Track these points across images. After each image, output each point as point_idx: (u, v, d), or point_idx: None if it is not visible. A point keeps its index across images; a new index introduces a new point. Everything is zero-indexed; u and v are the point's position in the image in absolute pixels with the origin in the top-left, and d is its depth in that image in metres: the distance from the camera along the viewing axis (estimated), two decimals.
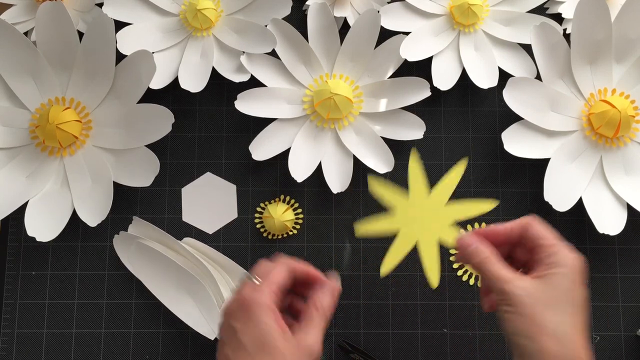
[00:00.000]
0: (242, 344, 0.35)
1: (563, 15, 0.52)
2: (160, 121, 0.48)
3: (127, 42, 0.51)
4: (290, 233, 0.51)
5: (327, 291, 0.39)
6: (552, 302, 0.35)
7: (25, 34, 0.52)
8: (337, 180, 0.50)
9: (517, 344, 0.35)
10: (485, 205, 0.42)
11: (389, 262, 0.41)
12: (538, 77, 0.50)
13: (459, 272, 0.50)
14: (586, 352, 0.34)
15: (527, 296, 0.35)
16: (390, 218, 0.42)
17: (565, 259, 0.36)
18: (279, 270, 0.38)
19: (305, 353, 0.35)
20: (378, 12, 0.51)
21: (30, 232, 0.48)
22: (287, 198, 0.52)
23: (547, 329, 0.34)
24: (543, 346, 0.34)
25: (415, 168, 0.42)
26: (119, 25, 0.51)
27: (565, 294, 0.35)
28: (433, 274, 0.41)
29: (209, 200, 0.52)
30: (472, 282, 0.50)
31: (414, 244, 0.42)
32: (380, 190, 0.42)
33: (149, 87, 0.49)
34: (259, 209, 0.51)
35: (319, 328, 0.37)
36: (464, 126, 0.53)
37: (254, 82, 0.51)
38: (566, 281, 0.35)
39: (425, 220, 0.42)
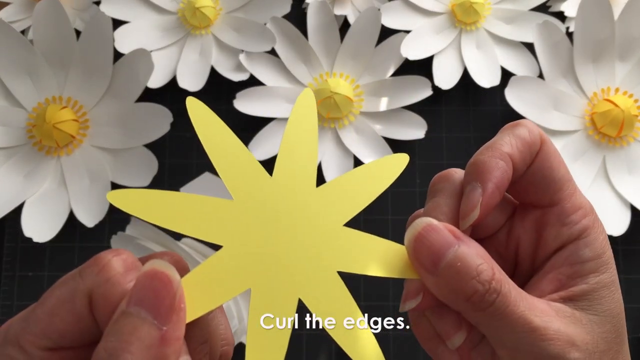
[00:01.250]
0: None
1: (566, 14, 0.52)
2: (159, 120, 0.47)
3: (124, 40, 0.50)
4: None
5: (131, 304, 0.18)
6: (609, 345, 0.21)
7: (22, 32, 0.51)
8: None
9: None
10: (392, 162, 0.24)
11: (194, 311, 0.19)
12: (540, 75, 0.50)
13: None
14: None
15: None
16: (212, 203, 0.21)
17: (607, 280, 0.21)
18: (60, 304, 0.19)
19: None
20: (379, 10, 0.51)
21: (27, 232, 0.47)
22: None
23: None
24: None
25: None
26: (117, 23, 0.50)
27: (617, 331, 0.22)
28: (364, 350, 0.23)
29: None
30: None
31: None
32: (206, 130, 0.22)
33: (147, 86, 0.48)
34: None
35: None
36: (465, 125, 0.53)
37: (253, 81, 0.50)
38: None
39: (306, 229, 0.21)
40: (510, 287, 0.20)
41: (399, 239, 0.53)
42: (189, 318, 0.19)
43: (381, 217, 0.51)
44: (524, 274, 0.23)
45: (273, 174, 0.22)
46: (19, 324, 0.19)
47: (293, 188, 0.22)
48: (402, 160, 0.24)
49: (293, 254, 0.21)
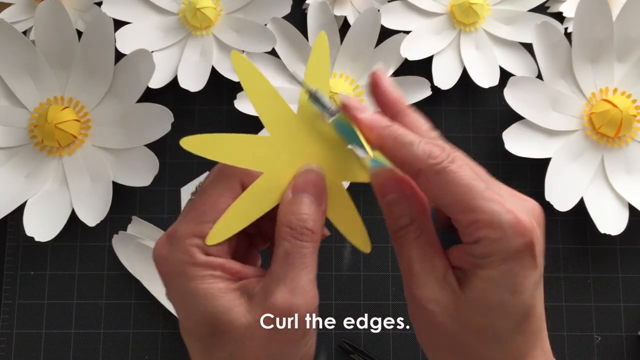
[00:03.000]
0: (186, 329, 0.25)
1: (564, 14, 0.52)
2: (160, 120, 0.48)
3: (126, 41, 0.50)
4: None
5: (298, 191, 0.25)
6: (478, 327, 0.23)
7: (24, 33, 0.51)
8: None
9: None
10: None
11: (226, 227, 0.25)
12: (539, 76, 0.50)
13: None
14: None
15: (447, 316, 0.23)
16: (255, 140, 0.27)
17: (499, 226, 0.23)
18: (215, 191, 0.25)
19: (285, 317, 0.23)
20: (378, 11, 0.51)
21: (28, 232, 0.47)
22: None
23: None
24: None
25: (251, 78, 0.27)
26: (118, 24, 0.50)
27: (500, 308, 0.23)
28: (357, 234, 0.28)
29: None
30: None
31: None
32: (250, 79, 0.27)
33: (148, 87, 0.49)
34: None
35: (299, 266, 0.24)
36: (464, 125, 0.53)
37: None
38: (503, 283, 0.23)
39: (321, 151, 0.27)
40: (464, 163, 0.24)
41: None
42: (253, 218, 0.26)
43: (381, 217, 0.51)
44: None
45: (297, 111, 0.27)
46: (187, 223, 0.25)
47: (312, 121, 0.27)
48: None
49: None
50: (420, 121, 0.27)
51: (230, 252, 0.26)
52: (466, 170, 0.24)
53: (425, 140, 0.24)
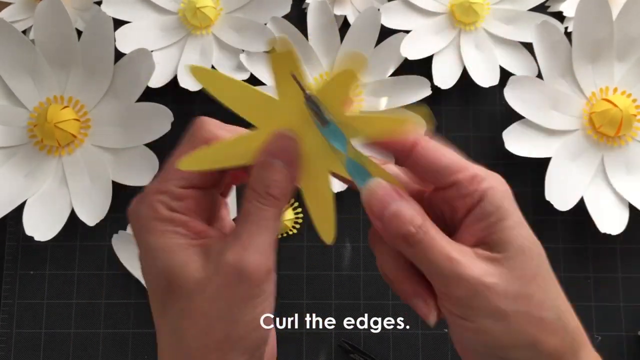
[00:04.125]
0: (148, 287, 0.25)
1: (564, 14, 0.52)
2: (160, 120, 0.48)
3: (126, 40, 0.50)
4: (290, 233, 0.51)
5: (270, 155, 0.25)
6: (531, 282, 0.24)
7: (24, 32, 0.51)
8: (337, 180, 0.49)
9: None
10: (405, 119, 0.25)
11: (200, 159, 0.26)
12: (539, 75, 0.50)
13: None
14: (579, 325, 0.26)
15: (501, 284, 0.24)
16: (260, 95, 0.26)
17: (518, 240, 0.24)
18: (182, 149, 0.26)
19: (234, 278, 0.23)
20: (378, 10, 0.51)
21: (28, 231, 0.47)
22: None
23: (546, 322, 0.24)
24: (545, 347, 0.24)
25: (282, 57, 0.25)
26: (118, 23, 0.50)
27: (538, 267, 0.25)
28: (324, 223, 0.27)
29: None
30: None
31: None
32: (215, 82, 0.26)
33: (147, 86, 0.48)
34: None
35: (257, 226, 0.24)
36: (464, 125, 0.53)
37: (253, 81, 0.51)
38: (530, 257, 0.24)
39: (307, 138, 0.26)
40: (435, 231, 0.24)
41: None
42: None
43: None
44: (451, 235, 0.26)
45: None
46: (156, 181, 0.25)
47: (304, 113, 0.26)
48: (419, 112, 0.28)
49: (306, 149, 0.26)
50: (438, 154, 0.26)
51: (197, 213, 0.26)
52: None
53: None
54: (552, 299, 0.25)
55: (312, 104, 0.25)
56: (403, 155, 0.26)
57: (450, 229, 0.26)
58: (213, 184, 0.27)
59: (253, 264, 0.23)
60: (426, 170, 0.26)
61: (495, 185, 0.25)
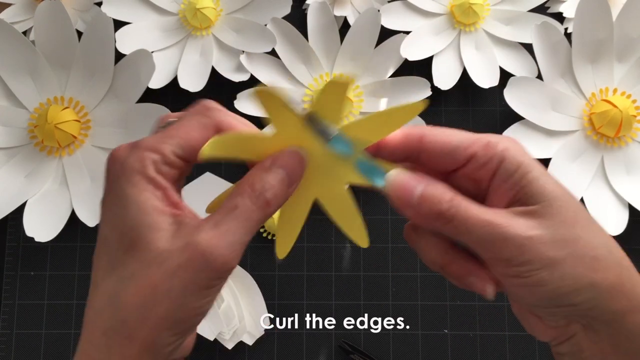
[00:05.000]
0: (103, 239, 0.24)
1: (564, 15, 0.52)
2: None
3: (126, 41, 0.50)
4: None
5: (275, 164, 0.25)
6: (574, 225, 0.24)
7: (24, 33, 0.51)
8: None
9: (575, 308, 0.24)
10: (411, 108, 0.26)
11: (217, 146, 0.25)
12: (539, 76, 0.50)
13: None
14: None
15: (548, 235, 0.24)
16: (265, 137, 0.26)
17: (545, 187, 0.25)
18: (188, 123, 0.25)
19: (197, 262, 0.22)
20: (378, 11, 0.51)
21: (28, 232, 0.47)
22: None
23: (599, 260, 0.24)
24: (605, 284, 0.24)
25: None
26: (118, 24, 0.50)
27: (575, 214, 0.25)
28: (355, 231, 0.29)
29: (209, 201, 0.51)
30: None
31: (309, 198, 0.28)
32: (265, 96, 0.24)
33: (148, 87, 0.49)
34: None
35: (239, 222, 0.24)
36: (464, 126, 0.53)
37: (253, 82, 0.51)
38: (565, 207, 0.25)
39: (316, 158, 0.26)
40: (467, 202, 0.24)
41: (398, 238, 0.53)
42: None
43: (381, 217, 0.51)
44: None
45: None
46: (153, 138, 0.25)
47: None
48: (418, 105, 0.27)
49: (315, 170, 0.27)
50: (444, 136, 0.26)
51: (174, 185, 0.25)
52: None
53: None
54: (599, 237, 0.25)
55: (312, 122, 0.25)
56: (414, 151, 0.26)
57: (479, 201, 0.26)
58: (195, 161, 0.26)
59: (222, 257, 0.23)
60: (440, 156, 0.26)
61: (510, 146, 0.25)
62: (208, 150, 0.24)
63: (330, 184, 0.27)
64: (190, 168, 0.27)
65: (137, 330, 0.23)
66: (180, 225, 0.23)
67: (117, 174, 0.24)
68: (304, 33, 0.51)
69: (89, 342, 0.24)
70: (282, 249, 0.29)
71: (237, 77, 0.51)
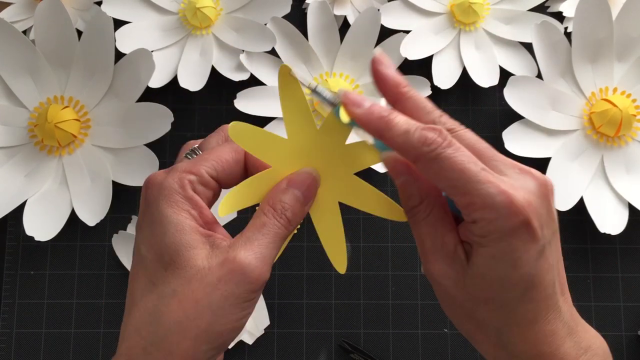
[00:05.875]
0: (141, 258, 0.25)
1: (564, 14, 0.52)
2: (160, 120, 0.48)
3: (126, 40, 0.50)
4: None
5: (291, 185, 0.27)
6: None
7: (24, 32, 0.51)
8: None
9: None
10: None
11: (230, 203, 0.28)
12: (539, 75, 0.50)
13: None
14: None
15: None
16: (258, 176, 0.28)
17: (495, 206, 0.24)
18: (220, 148, 0.28)
19: (236, 275, 0.24)
20: (378, 10, 0.51)
21: (28, 231, 0.47)
22: None
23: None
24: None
25: (289, 89, 0.28)
26: (118, 23, 0.50)
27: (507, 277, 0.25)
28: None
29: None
30: None
31: None
32: (241, 132, 0.27)
33: (148, 86, 0.49)
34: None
35: (268, 239, 0.25)
36: (464, 125, 0.53)
37: (253, 81, 0.51)
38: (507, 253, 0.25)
39: (319, 165, 0.29)
40: (460, 146, 0.25)
41: (399, 239, 0.53)
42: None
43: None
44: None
45: (320, 127, 0.29)
46: (188, 163, 0.27)
47: (330, 139, 0.28)
48: None
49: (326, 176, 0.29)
50: (421, 104, 0.27)
51: (209, 205, 0.27)
52: (461, 155, 0.25)
53: (422, 126, 0.25)
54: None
55: (316, 93, 0.28)
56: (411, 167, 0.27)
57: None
58: (230, 184, 0.28)
59: (258, 268, 0.24)
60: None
61: (487, 217, 0.25)
62: (224, 209, 0.27)
63: (325, 205, 0.29)
64: (220, 191, 0.28)
65: (178, 345, 0.23)
66: (214, 243, 0.25)
67: (155, 196, 0.26)
68: (304, 32, 0.51)
69: (128, 359, 0.24)
70: (339, 264, 0.30)
71: (237, 77, 0.51)
